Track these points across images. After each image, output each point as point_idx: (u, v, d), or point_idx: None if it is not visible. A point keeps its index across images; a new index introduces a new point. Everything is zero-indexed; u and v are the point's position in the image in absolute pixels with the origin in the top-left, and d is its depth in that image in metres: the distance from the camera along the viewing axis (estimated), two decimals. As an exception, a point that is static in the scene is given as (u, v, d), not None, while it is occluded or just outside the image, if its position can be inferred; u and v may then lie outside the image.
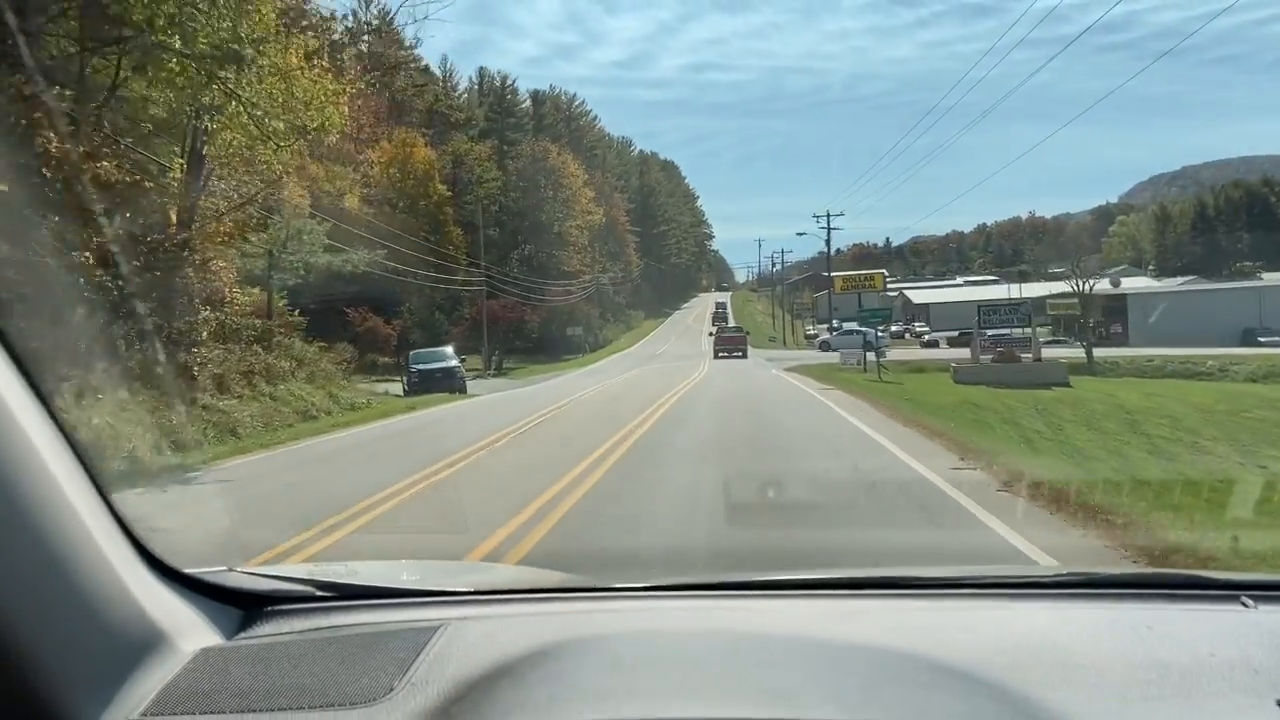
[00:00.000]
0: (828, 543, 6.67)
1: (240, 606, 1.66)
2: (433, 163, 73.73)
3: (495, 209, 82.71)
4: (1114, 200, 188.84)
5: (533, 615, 1.73)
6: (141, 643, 1.35)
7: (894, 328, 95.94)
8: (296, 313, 35.28)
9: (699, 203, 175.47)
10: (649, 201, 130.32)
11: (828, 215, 63.79)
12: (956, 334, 79.01)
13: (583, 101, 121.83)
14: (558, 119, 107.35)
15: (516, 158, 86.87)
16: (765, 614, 1.75)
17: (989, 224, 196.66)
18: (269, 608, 1.69)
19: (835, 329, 75.60)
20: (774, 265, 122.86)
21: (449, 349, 34.22)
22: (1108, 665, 1.45)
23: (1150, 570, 2.41)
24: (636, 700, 1.31)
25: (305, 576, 1.79)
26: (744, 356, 56.74)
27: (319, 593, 1.75)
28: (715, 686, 1.38)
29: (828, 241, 64.38)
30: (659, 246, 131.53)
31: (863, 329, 57.32)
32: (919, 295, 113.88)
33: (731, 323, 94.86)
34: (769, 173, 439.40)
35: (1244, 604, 1.71)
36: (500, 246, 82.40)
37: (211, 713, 1.31)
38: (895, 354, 51.25)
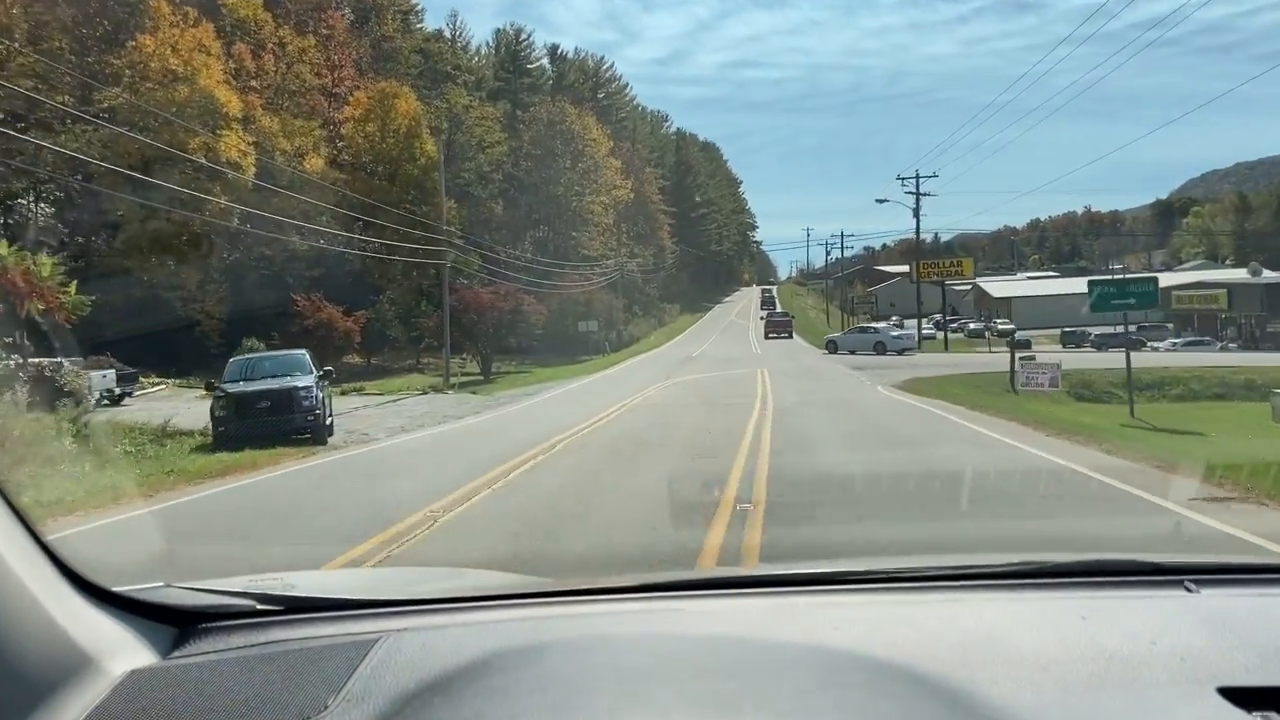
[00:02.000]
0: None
1: (175, 624, 1.59)
2: (420, 118, 60.05)
3: (499, 178, 68.88)
4: (1163, 196, 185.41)
5: (471, 625, 1.67)
6: (66, 666, 1.30)
7: (971, 325, 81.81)
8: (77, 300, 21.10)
9: (741, 189, 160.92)
10: (686, 181, 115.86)
11: (916, 178, 49.05)
12: (1057, 332, 64.28)
13: (611, 65, 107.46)
14: (582, 83, 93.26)
15: (531, 123, 72.93)
16: (705, 615, 1.72)
17: (1042, 219, 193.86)
18: (204, 625, 1.62)
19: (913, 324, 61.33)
20: (828, 254, 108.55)
21: (301, 355, 19.25)
22: (1051, 657, 1.44)
23: (1093, 557, 1.85)
24: (568, 715, 1.28)
25: (243, 590, 1.73)
26: (789, 337, 59.98)
27: (259, 606, 1.69)
28: (649, 699, 1.33)
29: (917, 210, 49.70)
30: (697, 231, 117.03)
31: (875, 325, 45.77)
32: (996, 288, 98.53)
33: (779, 308, 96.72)
34: (808, 170, 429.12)
35: (1187, 589, 1.72)
36: (511, 226, 68.63)
37: None
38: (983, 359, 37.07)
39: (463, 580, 2.45)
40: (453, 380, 36.68)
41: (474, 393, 31.41)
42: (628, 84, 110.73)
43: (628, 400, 23.02)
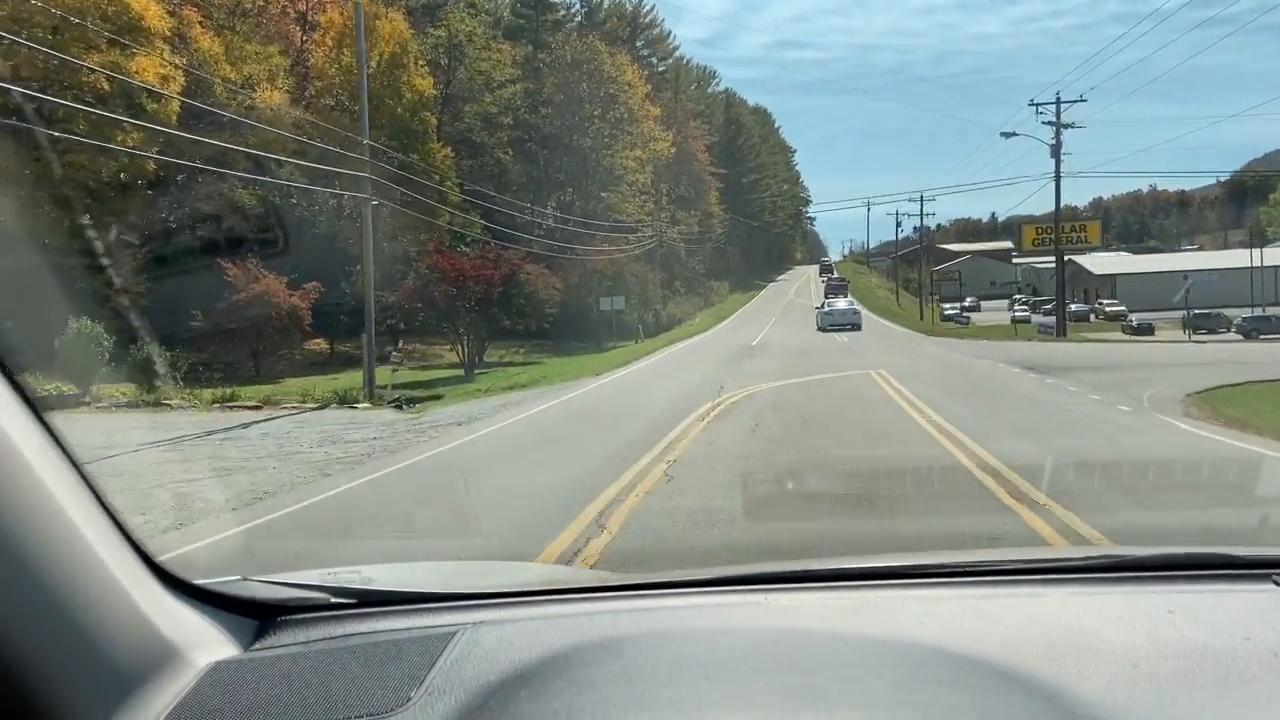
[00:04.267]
0: None
1: (255, 617, 1.60)
2: (408, 43, 47.99)
3: (510, 123, 56.60)
4: (1224, 176, 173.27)
5: (551, 618, 1.65)
6: (153, 658, 1.31)
7: (1073, 306, 68.10)
8: None
9: (794, 159, 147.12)
10: (736, 142, 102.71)
11: (1057, 103, 35.75)
12: (1173, 315, 50.91)
13: (652, 8, 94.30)
14: (619, 26, 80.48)
15: (554, 64, 60.57)
16: (787, 609, 1.69)
17: (1105, 198, 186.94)
18: (283, 617, 1.62)
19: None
20: (898, 225, 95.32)
21: None
22: (1140, 652, 1.41)
23: (1178, 550, 1.86)
24: (657, 710, 1.26)
25: (320, 584, 1.73)
26: (846, 295, 61.23)
27: (335, 600, 1.69)
28: (741, 692, 1.32)
29: (1057, 143, 36.36)
30: (748, 200, 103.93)
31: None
32: (1096, 263, 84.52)
33: (836, 274, 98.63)
34: (855, 152, 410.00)
35: (1276, 583, 1.69)
36: (533, 186, 56.29)
37: None
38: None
39: (529, 574, 2.45)
40: (402, 381, 24.62)
41: (402, 409, 19.16)
42: (671, 32, 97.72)
43: (637, 466, 10.45)
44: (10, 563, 1.10)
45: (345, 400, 19.60)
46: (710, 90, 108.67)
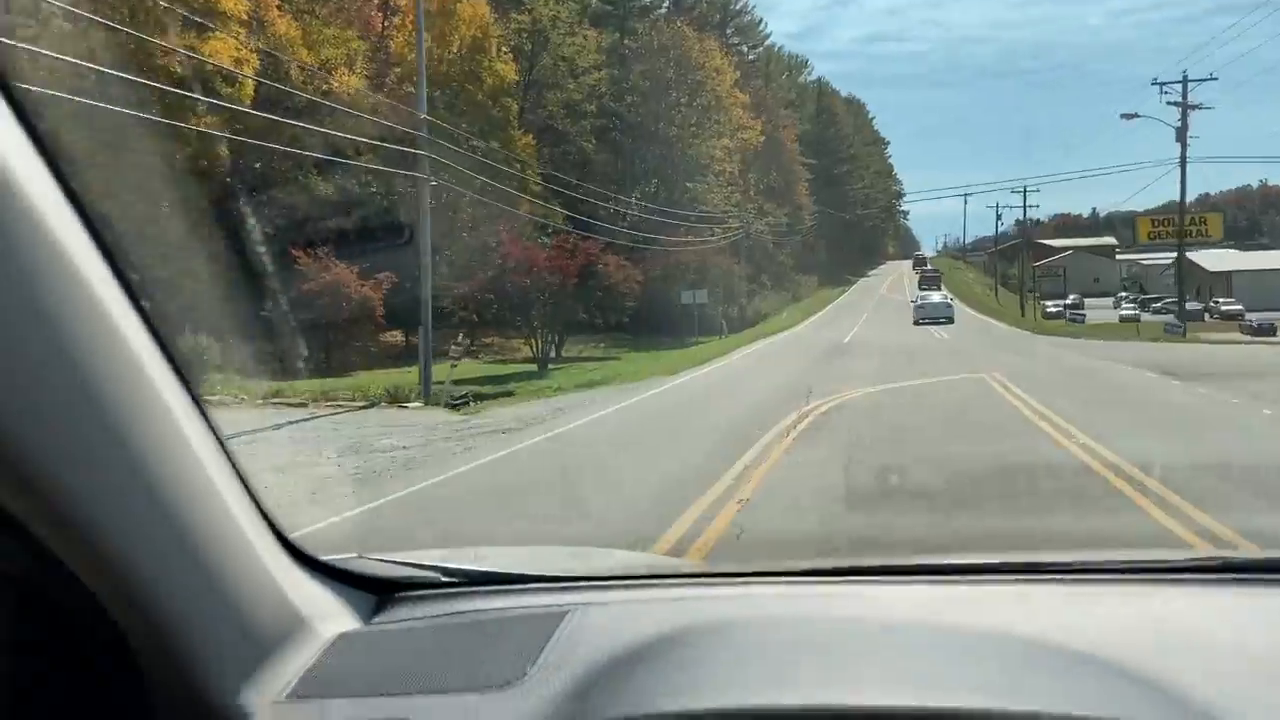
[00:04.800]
0: None
1: (372, 592, 1.65)
2: (490, 28, 46.69)
3: (593, 110, 54.98)
4: None
5: (661, 600, 1.68)
6: (284, 627, 1.38)
7: (1190, 304, 63.52)
8: None
9: (888, 151, 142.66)
10: (827, 133, 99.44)
11: (1184, 82, 32.50)
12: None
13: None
14: (709, 11, 78.16)
15: (641, 51, 58.69)
16: (894, 600, 1.67)
17: (1211, 194, 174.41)
18: (399, 594, 1.68)
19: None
20: (999, 218, 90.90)
21: None
22: (1255, 653, 1.38)
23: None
24: (774, 688, 1.27)
25: (432, 564, 1.78)
26: (940, 289, 61.26)
27: (445, 579, 1.74)
28: (858, 674, 1.32)
29: (1183, 125, 33.10)
30: (839, 193, 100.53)
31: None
32: (1210, 260, 79.16)
33: (929, 266, 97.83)
34: (948, 147, 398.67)
35: None
36: (616, 177, 54.56)
37: (351, 696, 1.34)
38: None
39: (633, 560, 2.50)
40: (473, 377, 23.13)
41: (457, 409, 17.51)
42: (762, 20, 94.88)
43: (697, 505, 8.34)
44: (172, 535, 1.16)
45: (396, 398, 18.04)
46: (802, 80, 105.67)
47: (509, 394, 21.21)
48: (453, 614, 1.61)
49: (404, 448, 12.16)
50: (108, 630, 1.15)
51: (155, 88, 26.37)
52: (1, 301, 0.93)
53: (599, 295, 34.90)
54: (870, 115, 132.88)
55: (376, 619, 1.59)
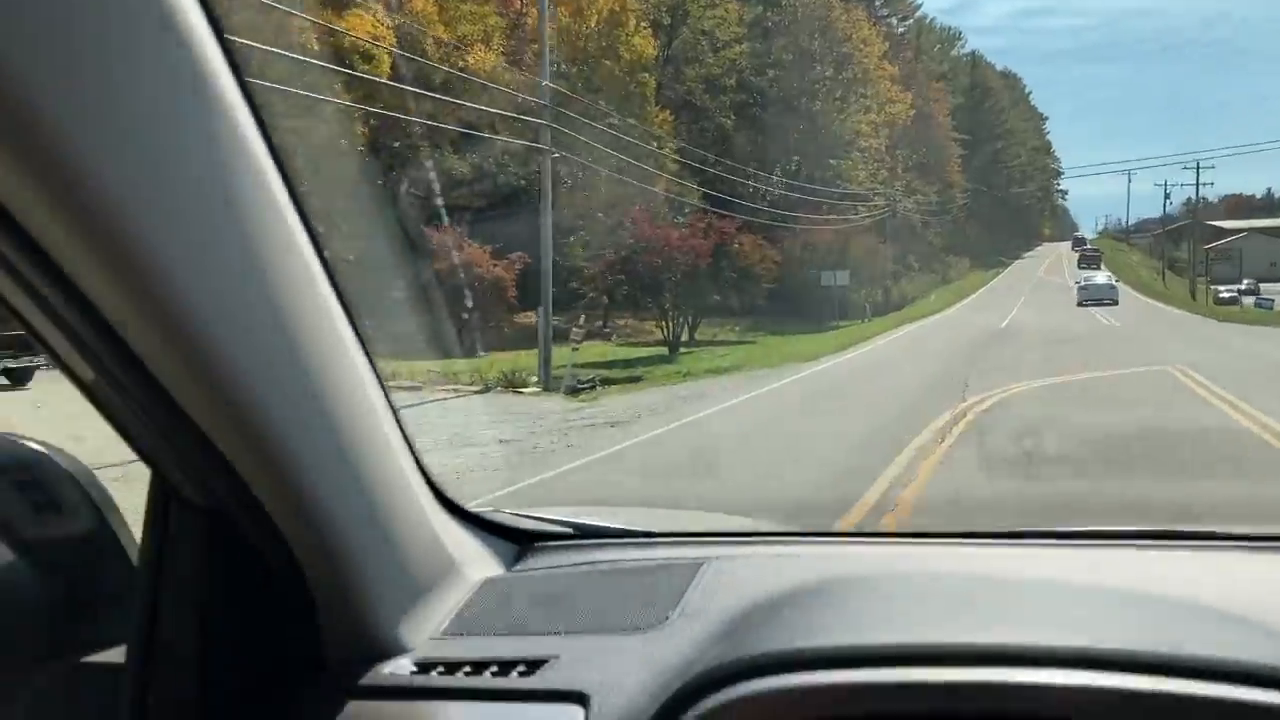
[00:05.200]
0: None
1: (513, 542, 1.72)
2: (628, 2, 45.54)
3: (733, 84, 53.20)
4: None
5: (798, 555, 1.68)
6: (438, 570, 1.46)
7: None
8: None
9: (1046, 127, 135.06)
10: (982, 106, 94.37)
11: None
12: None
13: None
14: (856, -18, 74.93)
15: (785, 26, 56.52)
16: (1046, 560, 1.63)
17: None
18: (538, 544, 1.74)
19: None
20: (1166, 199, 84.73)
21: None
22: None
23: None
24: (919, 627, 1.27)
25: (567, 520, 1.84)
26: (1101, 268, 59.31)
27: (581, 533, 1.79)
28: (1005, 619, 1.30)
29: None
30: (993, 171, 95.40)
31: None
32: None
33: (1089, 246, 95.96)
34: (1108, 125, 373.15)
35: None
36: (756, 154, 52.70)
37: (501, 634, 1.41)
38: None
39: (750, 522, 2.49)
40: (601, 360, 22.05)
41: (578, 395, 16.34)
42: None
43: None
44: (355, 480, 1.25)
45: (513, 382, 16.95)
46: (954, 53, 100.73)
47: (635, 379, 20.02)
48: (592, 563, 1.64)
49: (499, 441, 10.91)
50: (287, 564, 1.24)
51: (296, 60, 26.20)
52: (247, 281, 1.06)
53: (734, 276, 33.39)
54: (1026, 89, 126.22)
55: (518, 567, 1.64)
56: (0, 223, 0.90)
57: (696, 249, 29.72)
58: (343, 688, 1.28)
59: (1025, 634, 1.20)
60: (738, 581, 1.47)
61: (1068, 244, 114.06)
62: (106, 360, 1.03)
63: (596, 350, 30.05)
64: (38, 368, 17.34)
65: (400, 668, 1.31)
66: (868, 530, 1.95)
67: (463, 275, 34.42)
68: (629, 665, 1.29)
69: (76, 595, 1.30)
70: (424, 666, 1.32)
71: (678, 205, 41.51)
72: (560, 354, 19.21)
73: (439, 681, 1.30)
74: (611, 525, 1.82)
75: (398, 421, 1.39)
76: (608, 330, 37.96)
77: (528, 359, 20.97)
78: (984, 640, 1.18)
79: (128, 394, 1.07)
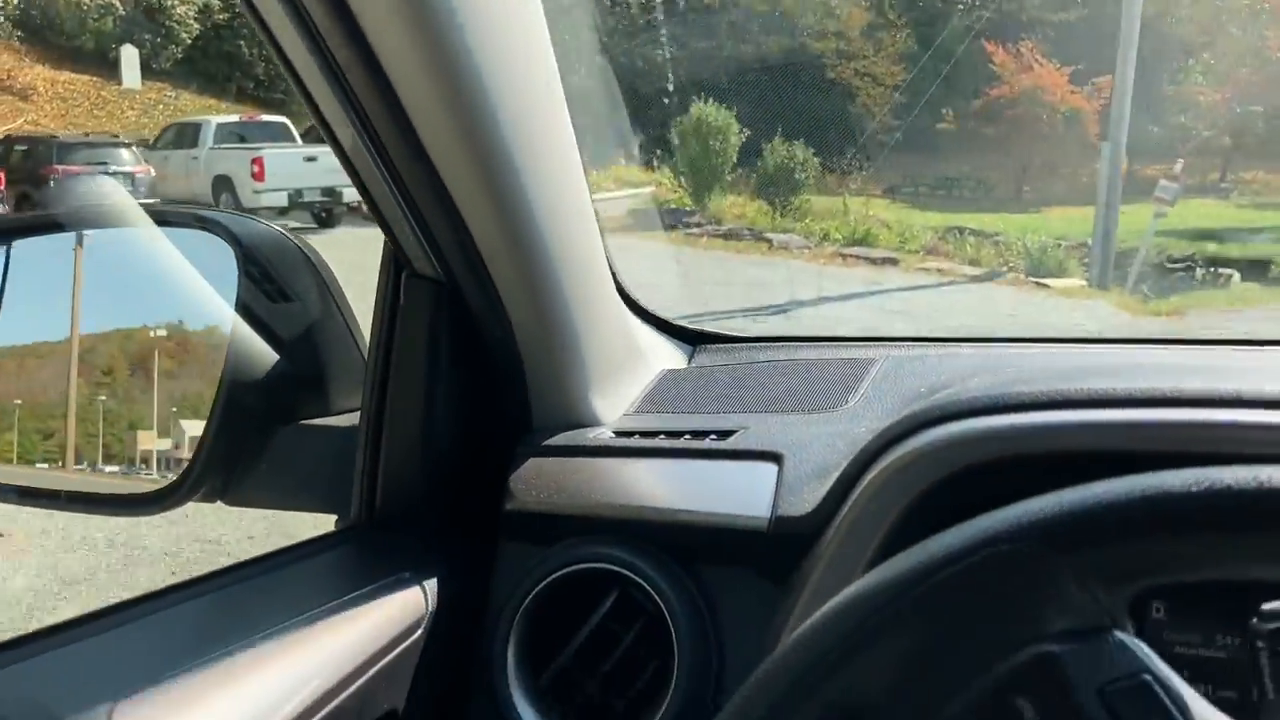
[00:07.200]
0: None
1: (689, 342, 1.83)
2: None
3: None
4: None
5: (980, 355, 1.68)
6: (629, 357, 1.60)
7: None
8: None
9: None
10: None
11: None
12: None
13: None
14: None
15: None
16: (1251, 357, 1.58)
17: None
18: (712, 345, 1.85)
19: None
20: None
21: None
22: None
23: None
24: (1118, 380, 1.22)
25: (736, 333, 1.92)
26: None
27: (749, 339, 1.89)
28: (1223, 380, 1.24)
29: None
30: None
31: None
32: None
33: None
34: None
35: None
36: None
37: (685, 412, 1.51)
38: None
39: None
40: (1199, 228, 14.83)
41: (1146, 293, 9.86)
42: None
43: None
44: (568, 266, 1.37)
45: (1040, 268, 10.87)
46: None
47: (1264, 264, 12.70)
48: (767, 360, 1.72)
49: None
50: (506, 336, 1.37)
51: None
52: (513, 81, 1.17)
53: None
54: None
55: (695, 362, 1.76)
56: None
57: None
58: (552, 447, 1.41)
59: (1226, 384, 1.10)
60: (913, 374, 1.51)
61: None
62: (379, 124, 1.12)
63: (1201, 211, 21.66)
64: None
65: (600, 434, 1.43)
66: (1051, 335, 1.76)
67: (1026, 105, 27.91)
68: (817, 432, 1.36)
69: (306, 371, 1.44)
70: (622, 434, 1.44)
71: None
72: (1132, 218, 12.37)
73: (639, 443, 1.41)
74: (780, 334, 1.90)
75: (600, 234, 1.51)
76: (1225, 185, 28.33)
77: (1081, 222, 14.21)
78: (1201, 385, 1.11)
79: (390, 164, 1.16)
